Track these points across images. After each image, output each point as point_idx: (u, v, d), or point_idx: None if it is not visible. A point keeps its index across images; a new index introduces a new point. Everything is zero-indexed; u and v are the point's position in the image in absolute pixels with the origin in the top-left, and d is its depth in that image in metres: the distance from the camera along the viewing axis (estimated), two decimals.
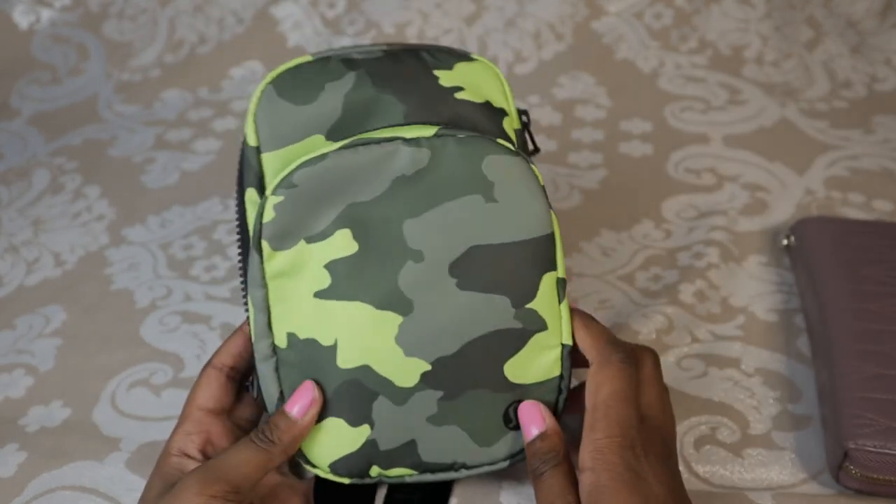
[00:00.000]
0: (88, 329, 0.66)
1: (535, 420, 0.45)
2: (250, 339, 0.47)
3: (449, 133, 0.45)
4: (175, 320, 0.66)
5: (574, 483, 0.43)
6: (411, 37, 0.99)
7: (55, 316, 0.68)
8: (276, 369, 0.46)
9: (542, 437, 0.45)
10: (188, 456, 0.46)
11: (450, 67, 0.48)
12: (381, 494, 0.50)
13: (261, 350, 0.46)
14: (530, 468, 0.44)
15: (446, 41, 0.98)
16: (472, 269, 0.45)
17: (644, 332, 0.61)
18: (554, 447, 0.44)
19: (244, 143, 0.47)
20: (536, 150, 0.53)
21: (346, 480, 0.46)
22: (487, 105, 0.48)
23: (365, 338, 0.44)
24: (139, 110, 0.95)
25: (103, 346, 0.64)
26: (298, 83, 0.47)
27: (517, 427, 0.46)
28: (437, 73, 0.48)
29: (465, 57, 0.49)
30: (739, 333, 0.61)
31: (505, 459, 0.47)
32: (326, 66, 0.47)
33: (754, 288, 0.65)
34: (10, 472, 0.54)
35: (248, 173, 0.47)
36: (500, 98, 0.49)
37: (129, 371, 0.62)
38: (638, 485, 0.40)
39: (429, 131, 0.45)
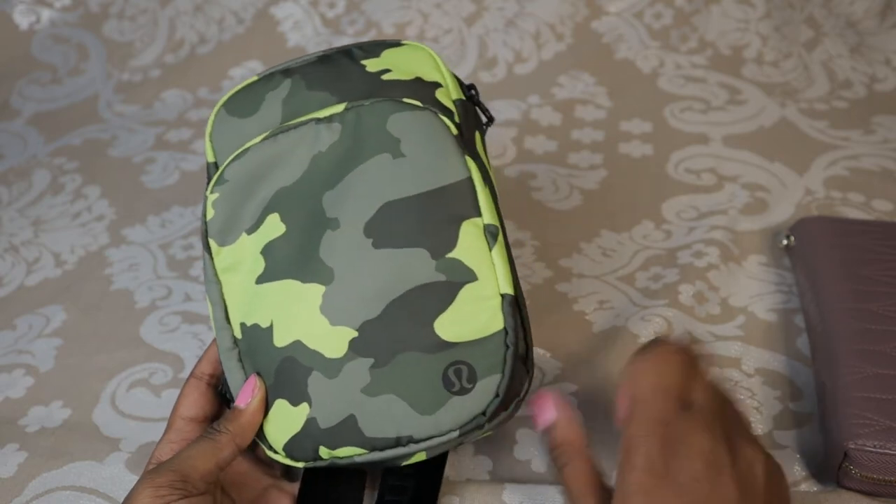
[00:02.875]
0: (88, 329, 0.66)
1: (544, 410, 0.43)
2: None
3: (357, 104, 0.47)
4: (175, 320, 0.66)
5: (594, 481, 0.40)
6: (411, 37, 0.99)
7: (55, 316, 0.68)
8: (240, 359, 0.47)
9: (554, 427, 0.42)
10: None
11: (377, 55, 0.50)
12: (371, 496, 0.50)
13: (223, 343, 0.47)
14: (550, 460, 0.42)
15: (446, 41, 0.98)
16: (386, 225, 0.45)
17: (644, 333, 0.61)
18: (567, 439, 0.42)
19: (207, 163, 0.51)
20: (490, 119, 0.52)
21: (300, 464, 0.45)
22: (417, 80, 0.49)
23: (293, 313, 0.45)
24: (139, 110, 0.95)
25: (103, 346, 0.64)
26: (243, 99, 0.50)
27: (461, 391, 0.42)
28: (364, 62, 0.50)
29: (394, 44, 0.51)
30: (739, 333, 0.61)
31: (454, 430, 0.43)
32: (268, 81, 0.50)
33: (754, 288, 0.65)
34: (10, 472, 0.54)
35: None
36: (433, 72, 0.50)
37: (128, 371, 0.62)
38: (660, 490, 0.36)
39: (340, 108, 0.47)
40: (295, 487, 0.50)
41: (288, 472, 0.52)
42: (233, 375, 0.47)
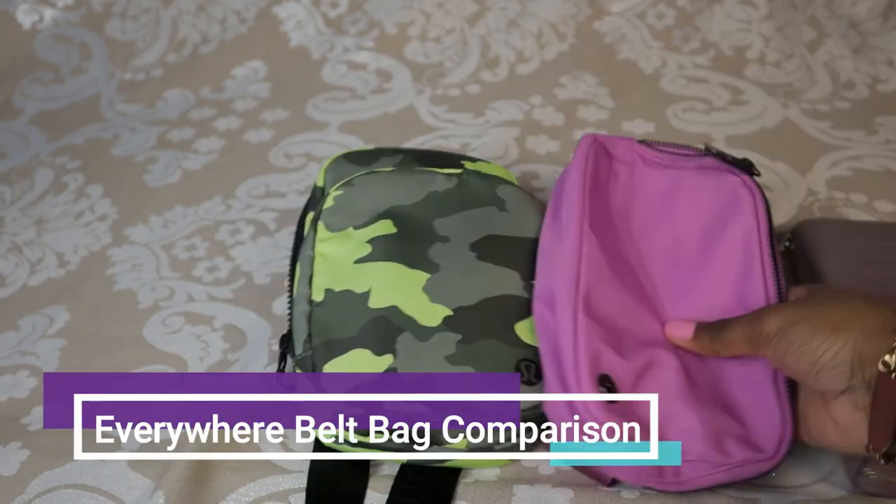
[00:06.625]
0: (91, 330, 0.66)
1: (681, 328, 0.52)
2: None
3: (472, 172, 0.61)
4: (178, 321, 0.66)
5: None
6: (413, 36, 0.99)
7: (58, 316, 0.68)
8: (308, 317, 0.52)
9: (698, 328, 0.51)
10: None
11: (473, 161, 0.65)
12: (382, 499, 0.50)
13: (299, 305, 0.53)
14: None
15: (448, 41, 0.98)
16: (489, 247, 0.55)
17: None
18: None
19: (314, 186, 0.63)
20: None
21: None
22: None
23: (396, 286, 0.53)
24: (141, 110, 0.95)
25: (106, 347, 0.64)
26: (361, 156, 0.63)
27: (528, 382, 0.50)
28: (462, 161, 0.64)
29: (485, 161, 0.66)
30: None
31: None
32: (383, 150, 0.64)
33: None
34: (12, 471, 0.54)
35: (312, 203, 0.62)
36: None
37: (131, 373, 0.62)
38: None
39: (458, 170, 0.60)
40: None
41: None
42: (299, 327, 0.52)
